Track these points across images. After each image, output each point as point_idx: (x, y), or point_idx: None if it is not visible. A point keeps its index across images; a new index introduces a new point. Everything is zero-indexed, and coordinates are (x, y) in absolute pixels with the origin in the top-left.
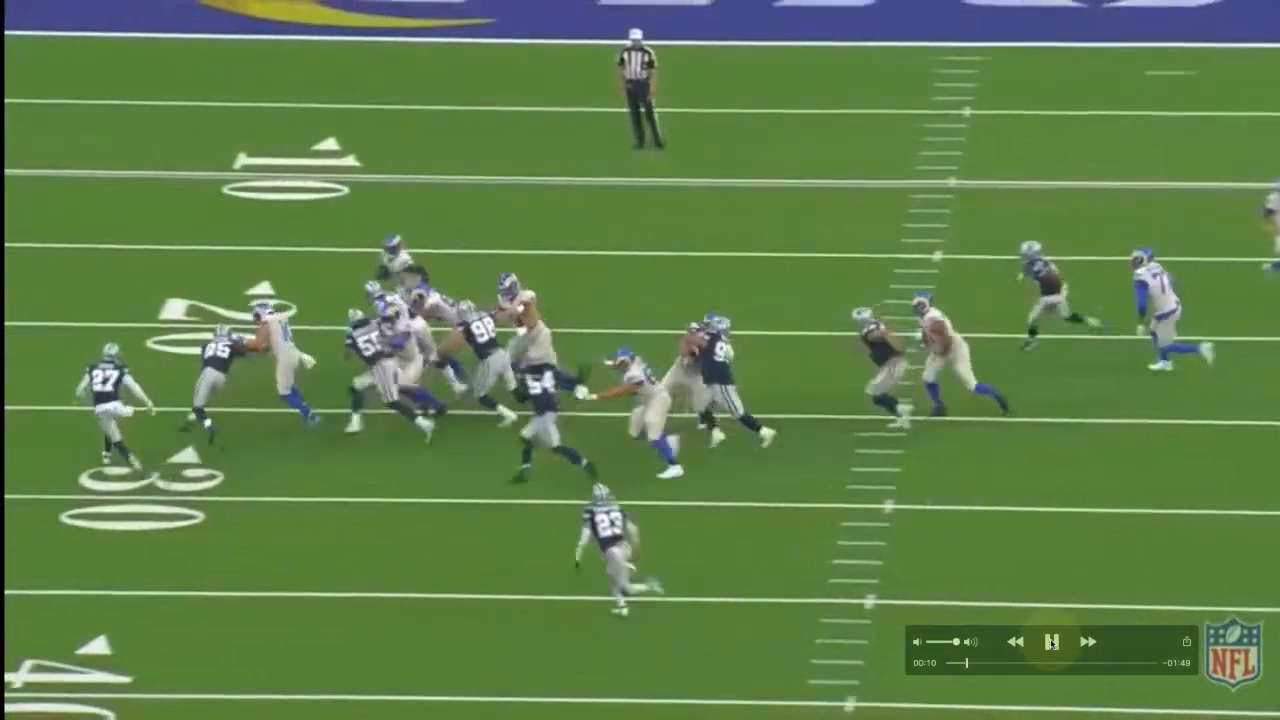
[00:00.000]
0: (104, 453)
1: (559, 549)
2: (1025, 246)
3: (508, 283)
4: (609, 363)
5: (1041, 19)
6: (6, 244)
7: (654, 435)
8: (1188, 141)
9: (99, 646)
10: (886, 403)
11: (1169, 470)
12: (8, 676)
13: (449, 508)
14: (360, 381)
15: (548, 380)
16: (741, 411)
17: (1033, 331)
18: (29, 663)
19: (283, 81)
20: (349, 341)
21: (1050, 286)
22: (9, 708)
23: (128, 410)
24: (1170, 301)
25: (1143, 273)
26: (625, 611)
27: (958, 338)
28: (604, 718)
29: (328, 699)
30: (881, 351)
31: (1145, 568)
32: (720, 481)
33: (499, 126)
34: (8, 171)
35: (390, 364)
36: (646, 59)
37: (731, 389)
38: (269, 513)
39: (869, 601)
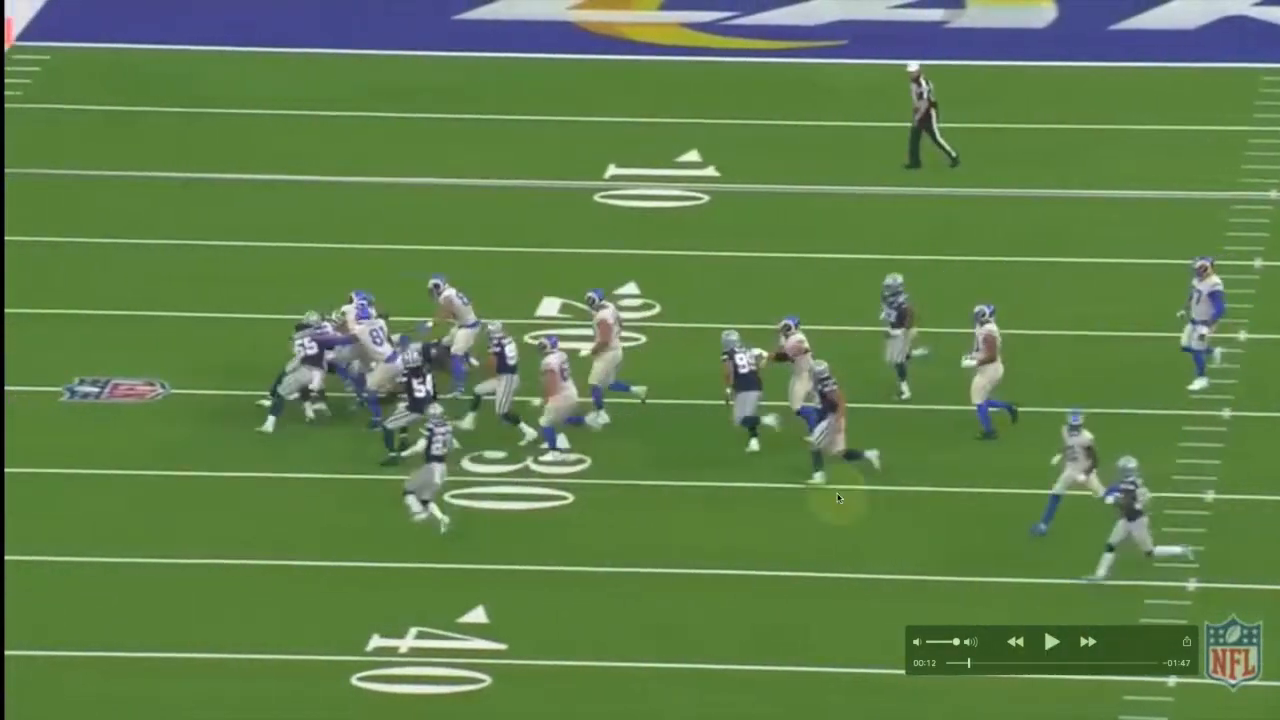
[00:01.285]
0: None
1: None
2: (889, 279)
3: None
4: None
5: None
6: (413, 246)
7: (545, 420)
8: None
9: (478, 616)
10: (848, 457)
11: None
12: (393, 642)
13: (767, 491)
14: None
15: (429, 384)
16: (745, 416)
17: (901, 374)
18: (414, 630)
19: (650, 98)
20: (294, 339)
21: (902, 320)
22: (397, 670)
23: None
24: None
25: (1217, 281)
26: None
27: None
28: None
29: (687, 668)
30: (828, 406)
31: None
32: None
33: (848, 140)
34: (368, 179)
35: (310, 373)
36: (918, 90)
37: (755, 396)
38: (632, 494)
39: (1190, 585)
